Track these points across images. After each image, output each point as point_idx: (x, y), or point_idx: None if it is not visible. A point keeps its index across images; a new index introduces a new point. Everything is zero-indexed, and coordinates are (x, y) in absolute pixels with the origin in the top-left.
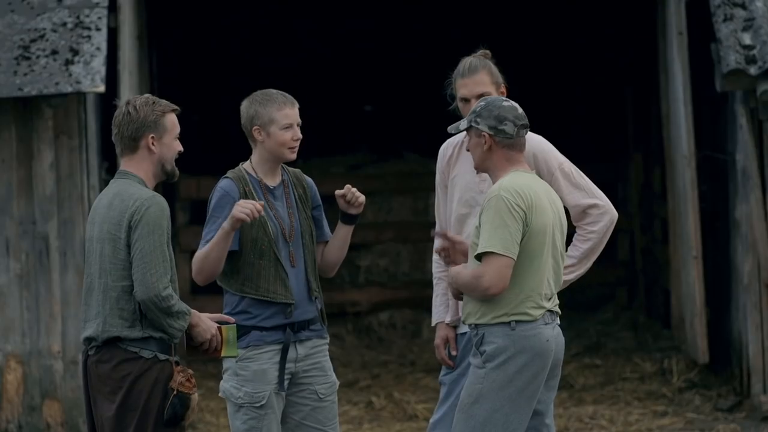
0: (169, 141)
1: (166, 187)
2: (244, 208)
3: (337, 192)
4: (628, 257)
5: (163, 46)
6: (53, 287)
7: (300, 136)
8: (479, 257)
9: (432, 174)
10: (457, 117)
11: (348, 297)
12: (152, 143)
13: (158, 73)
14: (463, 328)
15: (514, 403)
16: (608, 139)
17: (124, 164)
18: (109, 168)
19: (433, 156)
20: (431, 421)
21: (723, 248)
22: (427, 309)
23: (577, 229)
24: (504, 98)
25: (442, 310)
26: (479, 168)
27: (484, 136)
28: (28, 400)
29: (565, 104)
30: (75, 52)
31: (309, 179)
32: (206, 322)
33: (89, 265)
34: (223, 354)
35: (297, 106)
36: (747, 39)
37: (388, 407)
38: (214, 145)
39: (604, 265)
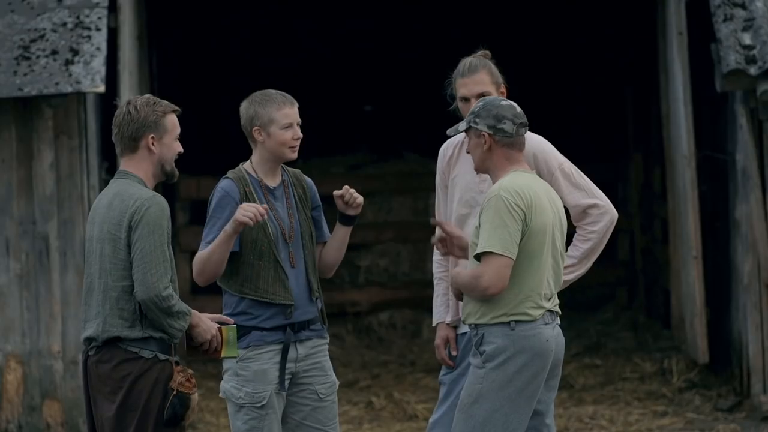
0: (169, 141)
1: (166, 187)
2: (248, 211)
3: (336, 193)
4: (628, 257)
5: (163, 46)
6: (53, 287)
7: (300, 135)
8: (478, 257)
9: (432, 174)
10: (457, 117)
11: (348, 297)
12: (152, 143)
13: (158, 73)
14: (464, 328)
15: (513, 403)
16: (608, 139)
17: (124, 164)
18: (109, 168)
19: (433, 156)
20: (431, 420)
21: (723, 248)
22: (427, 309)
23: (577, 229)
24: (502, 98)
25: (442, 310)
26: (479, 169)
27: (483, 135)
28: (28, 400)
29: (565, 104)
30: (75, 52)
31: (309, 180)
32: (206, 323)
33: (89, 265)
34: (223, 355)
35: (296, 105)
36: (747, 39)
37: (388, 407)
38: (214, 145)
39: (604, 265)
